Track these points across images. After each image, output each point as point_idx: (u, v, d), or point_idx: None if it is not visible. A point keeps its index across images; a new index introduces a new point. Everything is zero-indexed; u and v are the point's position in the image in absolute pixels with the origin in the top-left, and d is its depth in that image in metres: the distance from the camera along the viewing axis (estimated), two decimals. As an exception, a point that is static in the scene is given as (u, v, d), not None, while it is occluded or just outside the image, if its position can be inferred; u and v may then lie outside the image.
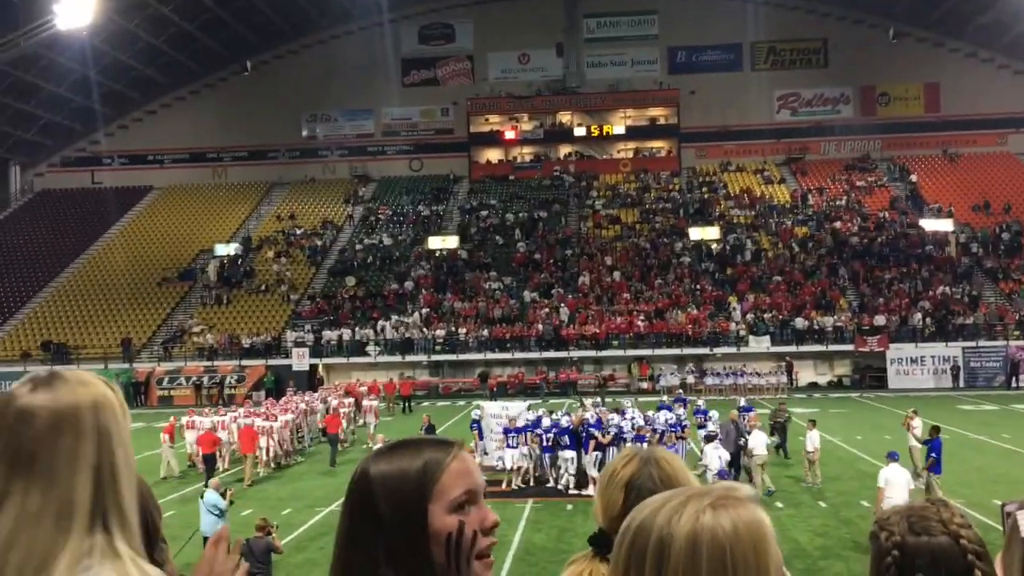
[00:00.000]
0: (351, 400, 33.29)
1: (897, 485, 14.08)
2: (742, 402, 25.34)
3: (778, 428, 24.16)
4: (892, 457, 15.00)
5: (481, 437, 22.50)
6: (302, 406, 29.83)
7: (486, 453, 22.22)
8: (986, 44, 59.78)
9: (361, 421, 31.95)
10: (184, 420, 26.09)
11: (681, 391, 30.51)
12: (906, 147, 61.37)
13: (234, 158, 65.60)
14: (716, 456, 17.96)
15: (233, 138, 64.55)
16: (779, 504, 18.47)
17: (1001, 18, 55.35)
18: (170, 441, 24.24)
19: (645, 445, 18.82)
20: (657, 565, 1.29)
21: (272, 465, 24.69)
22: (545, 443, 20.69)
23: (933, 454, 17.51)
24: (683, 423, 21.44)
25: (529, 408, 22.99)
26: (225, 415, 26.61)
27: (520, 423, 21.23)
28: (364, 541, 1.55)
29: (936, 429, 18.40)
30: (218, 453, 23.79)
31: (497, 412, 22.70)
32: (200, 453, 23.01)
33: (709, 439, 19.25)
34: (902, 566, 1.57)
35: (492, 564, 1.61)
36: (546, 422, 20.98)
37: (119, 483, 1.50)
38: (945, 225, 51.44)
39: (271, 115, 63.50)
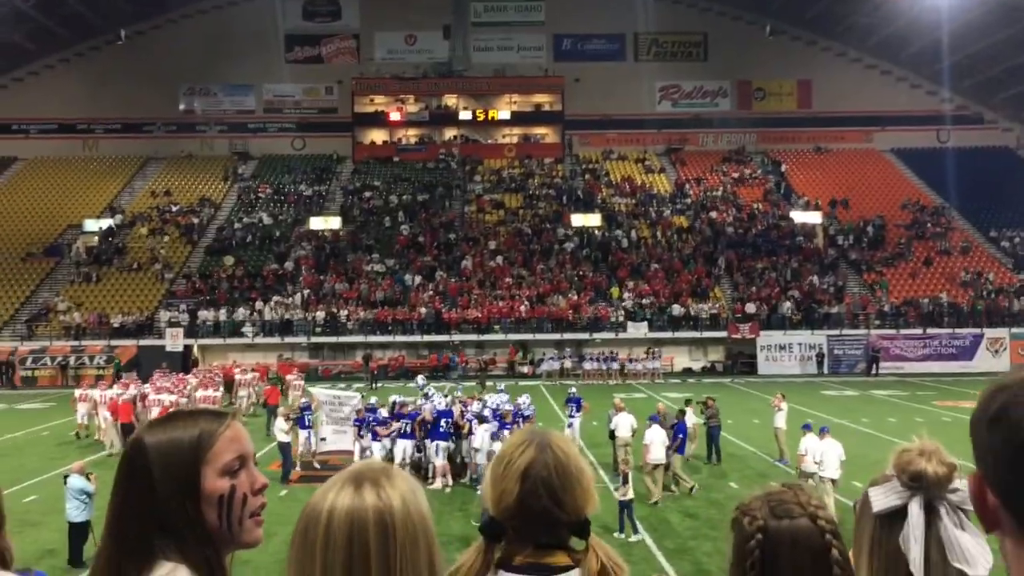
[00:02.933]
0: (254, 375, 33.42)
1: (655, 443, 17.27)
2: (573, 390, 24.75)
3: (711, 429, 21.40)
4: (654, 420, 17.94)
5: (303, 427, 21.60)
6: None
7: (323, 439, 21.79)
8: (856, 44, 62.39)
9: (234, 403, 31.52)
10: (77, 393, 26.83)
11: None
12: (779, 141, 63.54)
13: (106, 130, 62.99)
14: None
15: (105, 110, 61.94)
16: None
17: (871, 20, 57.84)
18: (113, 417, 24.04)
19: (507, 432, 18.77)
20: (301, 538, 1.49)
21: None
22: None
23: (680, 435, 18.51)
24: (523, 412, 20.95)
25: (361, 395, 22.60)
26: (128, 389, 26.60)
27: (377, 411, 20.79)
28: (136, 509, 1.60)
29: (682, 412, 19.70)
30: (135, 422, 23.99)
31: (329, 399, 22.28)
32: (118, 423, 23.58)
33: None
34: (765, 548, 1.64)
35: (262, 522, 1.71)
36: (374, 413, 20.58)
37: None
38: (814, 217, 53.52)
39: (146, 87, 61.17)
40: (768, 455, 21.67)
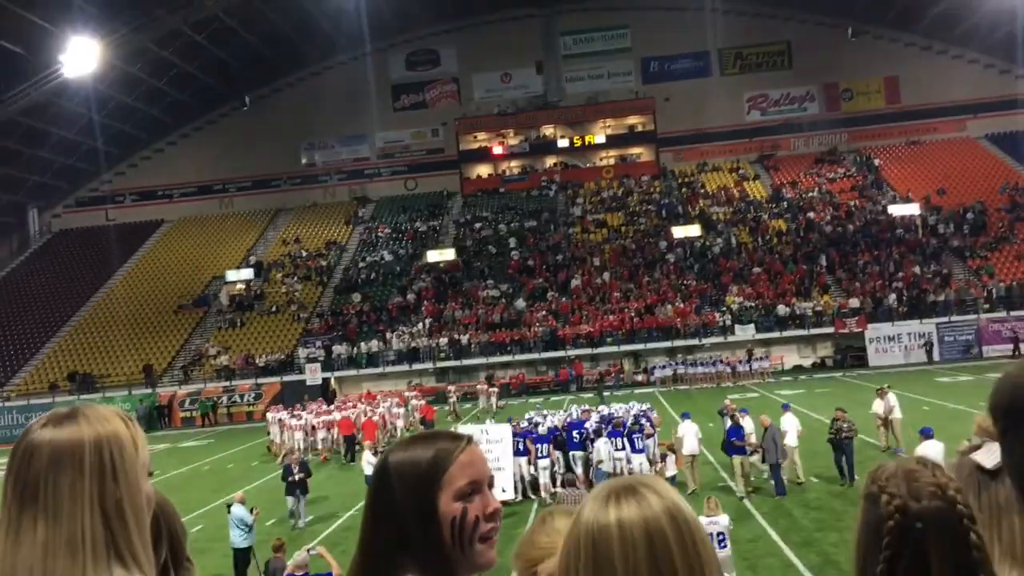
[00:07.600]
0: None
1: (688, 436, 18.30)
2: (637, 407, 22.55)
3: (842, 445, 18.18)
4: (685, 416, 19.12)
5: None
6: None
7: None
8: (940, 37, 59.85)
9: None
10: (271, 416, 30.50)
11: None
12: (870, 138, 61.48)
13: (239, 188, 65.58)
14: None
15: (237, 169, 64.47)
16: (773, 481, 18.42)
17: (952, 11, 55.50)
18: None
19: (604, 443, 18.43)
20: (588, 559, 1.35)
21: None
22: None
23: (733, 438, 18.09)
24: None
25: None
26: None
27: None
28: (382, 526, 1.62)
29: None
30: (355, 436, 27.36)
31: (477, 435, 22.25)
32: (339, 435, 27.90)
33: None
34: (904, 529, 1.52)
35: (494, 544, 1.67)
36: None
37: (127, 520, 1.48)
38: (912, 209, 51.48)
39: (271, 146, 63.41)
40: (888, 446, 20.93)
